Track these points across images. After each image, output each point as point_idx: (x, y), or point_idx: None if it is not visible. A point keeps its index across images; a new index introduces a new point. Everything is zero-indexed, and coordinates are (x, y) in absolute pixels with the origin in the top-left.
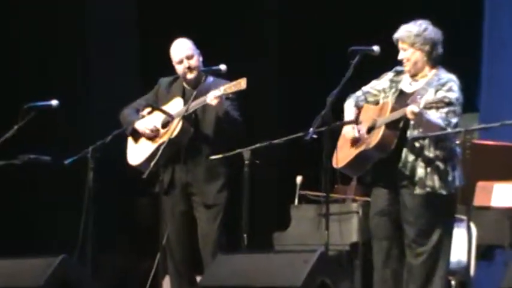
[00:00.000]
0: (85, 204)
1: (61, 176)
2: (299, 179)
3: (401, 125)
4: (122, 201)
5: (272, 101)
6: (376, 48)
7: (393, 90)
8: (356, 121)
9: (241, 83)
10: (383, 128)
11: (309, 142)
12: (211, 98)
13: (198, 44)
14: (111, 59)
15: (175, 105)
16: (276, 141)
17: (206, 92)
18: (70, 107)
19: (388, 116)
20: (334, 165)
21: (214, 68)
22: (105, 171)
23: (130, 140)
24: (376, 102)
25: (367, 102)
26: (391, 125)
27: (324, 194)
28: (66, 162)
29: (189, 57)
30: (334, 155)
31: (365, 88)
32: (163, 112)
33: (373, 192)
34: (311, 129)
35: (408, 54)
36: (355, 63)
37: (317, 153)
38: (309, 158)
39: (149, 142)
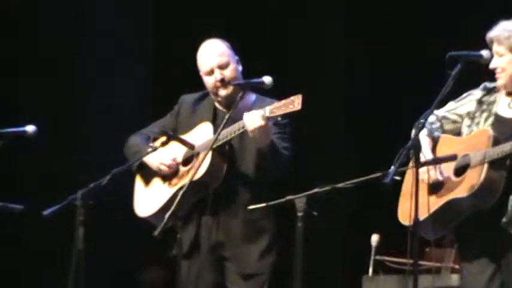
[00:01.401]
0: (71, 271)
1: (43, 228)
2: (374, 238)
3: (507, 163)
4: (123, 269)
5: (335, 129)
6: (485, 53)
7: (485, 114)
8: (455, 157)
9: (295, 103)
10: (486, 167)
11: (389, 186)
12: (253, 123)
13: (238, 49)
14: (111, 66)
15: (202, 133)
16: (341, 184)
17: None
18: (53, 134)
19: (492, 151)
20: (402, 221)
21: (255, 80)
22: (101, 225)
23: (138, 181)
24: (457, 132)
25: (444, 131)
26: (496, 164)
27: (411, 261)
28: (45, 212)
29: (222, 66)
30: (399, 207)
31: (439, 112)
32: (185, 143)
33: (463, 265)
34: (392, 167)
35: (504, 63)
36: (456, 73)
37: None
38: (388, 209)
39: (165, 185)
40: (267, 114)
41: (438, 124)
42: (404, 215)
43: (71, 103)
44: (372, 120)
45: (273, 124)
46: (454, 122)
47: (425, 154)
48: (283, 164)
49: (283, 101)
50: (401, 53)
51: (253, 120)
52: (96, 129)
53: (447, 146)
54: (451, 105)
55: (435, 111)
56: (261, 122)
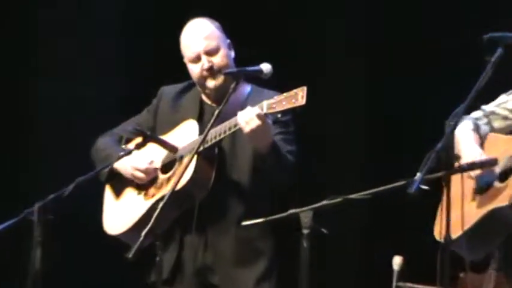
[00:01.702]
0: None
1: None
2: (397, 261)
3: None
4: None
5: (346, 128)
6: None
7: None
8: (495, 161)
9: (299, 96)
10: None
11: (415, 197)
12: (248, 120)
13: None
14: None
15: (186, 133)
16: (355, 195)
17: (239, 109)
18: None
19: None
20: (438, 237)
21: (250, 69)
22: (63, 244)
23: (108, 191)
24: (508, 130)
25: (493, 129)
26: None
27: None
28: None
29: (210, 52)
30: (437, 220)
31: (488, 107)
32: (165, 145)
33: None
34: (418, 174)
35: None
36: (496, 59)
37: (426, 216)
38: (414, 225)
39: (140, 196)
40: (265, 110)
41: (485, 120)
42: (438, 231)
43: (23, 94)
44: (392, 119)
45: (273, 122)
46: (505, 118)
47: (469, 152)
48: (287, 170)
49: (285, 95)
50: (419, 50)
51: (248, 119)
52: (56, 127)
53: (492, 145)
54: (502, 98)
55: (482, 106)
56: (258, 122)
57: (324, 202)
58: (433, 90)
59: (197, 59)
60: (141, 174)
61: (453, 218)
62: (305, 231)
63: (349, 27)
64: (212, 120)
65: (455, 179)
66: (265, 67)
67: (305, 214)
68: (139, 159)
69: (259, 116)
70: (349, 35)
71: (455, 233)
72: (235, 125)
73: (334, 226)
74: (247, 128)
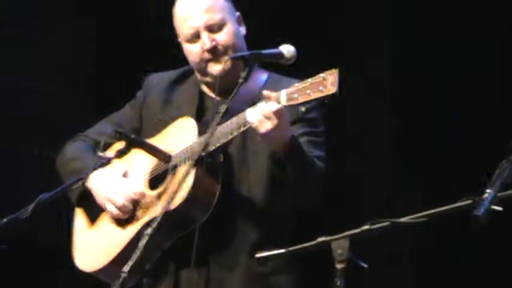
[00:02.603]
0: None
1: None
2: None
3: None
4: None
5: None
6: None
7: None
8: None
9: (328, 83)
10: None
11: (484, 221)
12: (261, 118)
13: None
14: None
15: (181, 135)
16: (405, 219)
17: (251, 104)
18: None
19: None
20: None
21: (267, 52)
22: (19, 280)
23: (78, 216)
24: None
25: None
26: None
27: None
28: None
29: (213, 27)
30: None
31: None
32: (154, 151)
33: None
34: (488, 191)
35: None
36: None
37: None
38: (483, 258)
39: (122, 222)
40: (284, 103)
41: None
42: None
43: None
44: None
45: (296, 121)
46: None
47: None
48: (315, 182)
49: (309, 80)
50: None
51: (261, 117)
52: (9, 128)
53: None
54: None
55: None
56: (275, 121)
57: (365, 227)
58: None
59: (196, 37)
60: (114, 210)
61: None
62: (339, 266)
63: None
64: (217, 119)
65: None
66: (287, 49)
67: (339, 243)
68: (117, 183)
69: (276, 113)
70: None
71: None
72: (245, 124)
73: (379, 259)
74: (262, 129)
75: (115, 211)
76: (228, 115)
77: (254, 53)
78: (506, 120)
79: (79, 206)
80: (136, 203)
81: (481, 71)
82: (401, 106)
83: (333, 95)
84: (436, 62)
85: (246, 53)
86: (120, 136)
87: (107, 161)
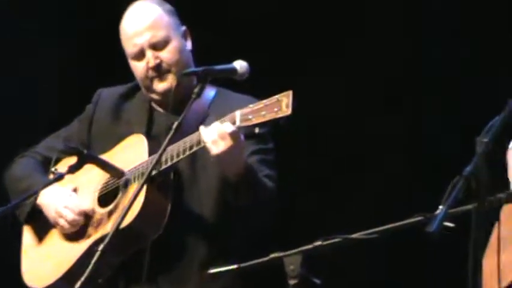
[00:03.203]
0: None
1: None
2: None
3: None
4: None
5: (344, 145)
6: None
7: None
8: None
9: (283, 103)
10: None
11: (436, 237)
12: (215, 138)
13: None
14: None
15: (132, 152)
16: (357, 235)
17: (200, 119)
18: None
19: None
20: None
21: (221, 67)
22: None
23: (26, 233)
24: None
25: None
26: None
27: None
28: None
29: (157, 45)
30: (485, 268)
31: None
32: (107, 167)
33: None
34: (441, 208)
35: None
36: None
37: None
38: (433, 274)
39: (72, 239)
40: (238, 123)
41: None
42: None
43: None
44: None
45: (248, 137)
46: None
47: None
48: (266, 203)
49: (264, 102)
50: None
51: (216, 138)
52: None
53: None
54: None
55: None
56: (230, 142)
57: (317, 243)
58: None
59: (141, 55)
60: (65, 224)
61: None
62: (291, 282)
63: None
64: (169, 137)
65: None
66: (240, 65)
67: (291, 259)
68: (67, 198)
69: (231, 134)
70: None
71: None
72: (198, 143)
73: (330, 274)
74: (215, 150)
75: (66, 225)
76: (179, 134)
77: (207, 68)
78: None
79: (27, 223)
80: (87, 219)
81: None
82: None
83: (287, 116)
84: None
85: (199, 68)
86: (72, 151)
87: (59, 177)
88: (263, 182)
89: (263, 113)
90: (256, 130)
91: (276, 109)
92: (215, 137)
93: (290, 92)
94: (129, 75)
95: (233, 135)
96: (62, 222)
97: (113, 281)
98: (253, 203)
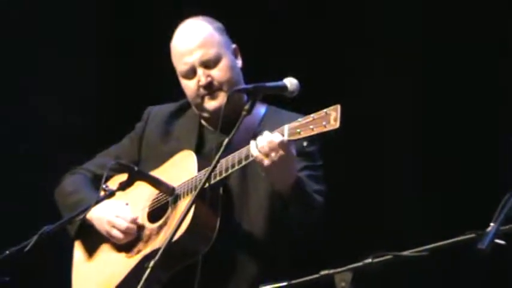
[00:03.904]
0: None
1: None
2: None
3: None
4: None
5: (397, 163)
6: None
7: None
8: None
9: (331, 118)
10: None
11: (487, 254)
12: (266, 150)
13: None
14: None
15: (182, 169)
16: (407, 252)
17: (251, 136)
18: None
19: None
20: None
21: (271, 84)
22: None
23: (77, 249)
24: None
25: None
26: None
27: None
28: None
29: (208, 63)
30: None
31: None
32: (158, 184)
33: None
34: (492, 225)
35: None
36: None
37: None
38: None
39: (121, 253)
40: (287, 137)
41: None
42: None
43: None
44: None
45: (297, 154)
46: None
47: None
48: (315, 218)
49: (313, 116)
50: None
51: (267, 149)
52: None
53: None
54: None
55: None
56: (280, 152)
57: (368, 261)
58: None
59: (192, 73)
60: (118, 235)
61: None
62: None
63: None
64: (220, 152)
65: None
66: (291, 82)
67: (341, 276)
68: (119, 212)
69: (281, 144)
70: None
71: None
72: (247, 157)
73: None
74: (265, 162)
75: (119, 235)
76: (229, 148)
77: (258, 85)
78: None
79: (77, 238)
80: (138, 233)
81: None
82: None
83: (335, 130)
84: None
85: (249, 85)
86: (123, 168)
87: (110, 194)
88: (313, 196)
89: (311, 126)
90: (305, 143)
91: (324, 123)
92: (266, 149)
93: (338, 106)
94: (178, 93)
95: (283, 146)
96: (114, 232)
97: None
98: (303, 217)
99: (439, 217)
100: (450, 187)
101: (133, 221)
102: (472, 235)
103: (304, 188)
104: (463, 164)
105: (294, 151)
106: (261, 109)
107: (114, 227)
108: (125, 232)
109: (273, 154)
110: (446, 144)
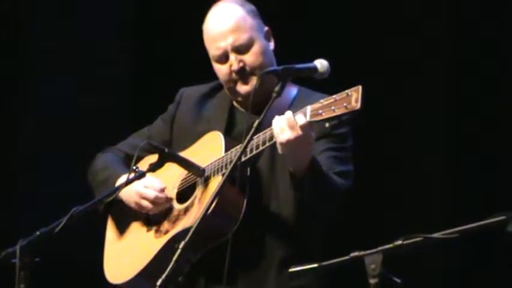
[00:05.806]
0: None
1: None
2: None
3: None
4: None
5: (428, 147)
6: None
7: None
8: None
9: (352, 98)
10: None
11: None
12: (283, 126)
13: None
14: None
15: (208, 149)
16: (437, 234)
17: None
18: None
19: None
20: None
21: (301, 66)
22: None
23: (110, 227)
24: None
25: None
26: None
27: None
28: None
29: (241, 48)
30: None
31: None
32: (189, 166)
33: None
34: None
35: None
36: None
37: None
38: None
39: (149, 233)
40: (308, 118)
41: None
42: None
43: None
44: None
45: (323, 136)
46: None
47: None
48: (334, 201)
49: (334, 97)
50: None
51: (284, 125)
52: (44, 141)
53: None
54: None
55: None
56: (298, 132)
57: (398, 242)
58: None
59: (224, 58)
60: (148, 205)
61: None
62: (372, 281)
63: None
64: (250, 135)
65: None
66: (321, 64)
67: (372, 258)
68: (148, 182)
69: (302, 126)
70: None
71: None
72: (272, 138)
73: (410, 274)
74: (281, 137)
75: (149, 206)
76: (259, 129)
77: (287, 67)
78: None
79: (106, 215)
80: (164, 214)
81: None
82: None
83: (357, 111)
84: None
85: (278, 68)
86: (154, 149)
87: (140, 175)
88: (332, 179)
89: (333, 108)
90: (327, 125)
91: (345, 104)
92: (284, 125)
93: (360, 87)
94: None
95: (303, 127)
96: (144, 203)
97: (193, 280)
98: (319, 200)
99: (469, 200)
100: (480, 169)
101: (162, 190)
102: (503, 217)
103: (320, 171)
104: (491, 145)
105: (312, 133)
106: (292, 90)
107: (143, 197)
108: (154, 202)
109: (289, 132)
110: (477, 126)
